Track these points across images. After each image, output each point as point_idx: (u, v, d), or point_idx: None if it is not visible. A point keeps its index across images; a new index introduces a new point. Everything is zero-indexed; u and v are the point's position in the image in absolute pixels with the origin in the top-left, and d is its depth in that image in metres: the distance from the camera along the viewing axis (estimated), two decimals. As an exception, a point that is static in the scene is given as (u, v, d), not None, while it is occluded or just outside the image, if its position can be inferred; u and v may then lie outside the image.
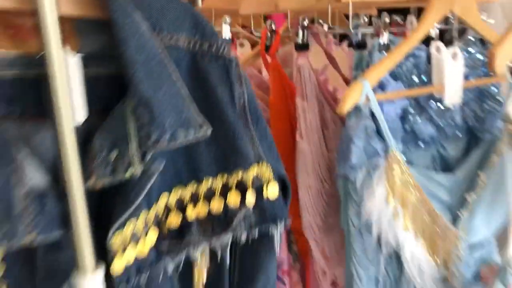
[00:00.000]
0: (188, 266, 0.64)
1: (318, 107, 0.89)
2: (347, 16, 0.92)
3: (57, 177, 0.50)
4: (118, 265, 0.53)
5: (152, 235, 0.58)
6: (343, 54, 1.01)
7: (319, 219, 0.93)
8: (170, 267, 0.61)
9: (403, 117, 0.82)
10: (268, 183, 0.60)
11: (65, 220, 0.50)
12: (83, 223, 0.50)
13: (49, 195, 0.49)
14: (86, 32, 0.54)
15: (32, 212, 0.47)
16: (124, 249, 0.54)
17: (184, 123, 0.53)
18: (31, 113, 0.51)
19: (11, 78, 0.50)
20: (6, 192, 0.46)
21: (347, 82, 0.95)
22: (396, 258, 0.84)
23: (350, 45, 1.05)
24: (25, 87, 0.50)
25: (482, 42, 0.88)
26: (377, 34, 0.78)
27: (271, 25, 0.94)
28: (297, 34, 0.86)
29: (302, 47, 0.87)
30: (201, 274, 0.66)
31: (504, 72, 0.70)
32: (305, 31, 0.87)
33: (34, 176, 0.48)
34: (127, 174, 0.51)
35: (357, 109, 0.75)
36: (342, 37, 1.15)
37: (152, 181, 0.53)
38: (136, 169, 0.51)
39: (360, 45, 0.83)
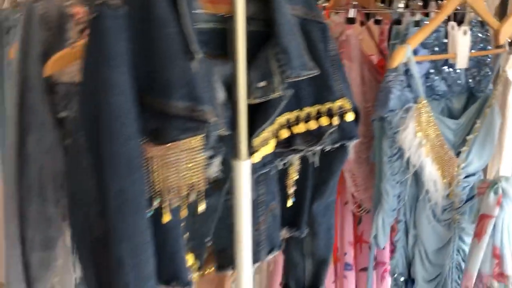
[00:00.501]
0: (285, 168, 0.94)
1: (359, 67, 1.18)
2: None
3: (230, 94, 0.77)
4: (257, 157, 0.82)
5: (273, 142, 0.86)
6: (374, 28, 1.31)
7: (354, 155, 1.23)
8: (280, 165, 0.90)
9: (425, 75, 1.12)
10: (347, 112, 0.89)
11: (233, 123, 0.77)
12: (244, 125, 0.78)
13: (227, 105, 0.77)
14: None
15: (222, 116, 0.74)
16: (259, 148, 0.82)
17: (304, 65, 0.81)
18: (218, 53, 0.78)
19: (208, 30, 0.77)
20: (213, 102, 0.72)
21: (378, 49, 1.24)
22: (414, 180, 1.15)
23: (376, 22, 1.35)
24: (216, 36, 0.78)
25: (482, 24, 1.19)
26: (411, 14, 1.08)
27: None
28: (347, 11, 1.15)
29: (351, 21, 1.16)
30: (294, 174, 0.95)
31: (505, 44, 1.01)
32: (353, 10, 1.16)
33: (220, 92, 0.76)
34: (273, 95, 0.79)
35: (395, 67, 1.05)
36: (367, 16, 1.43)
37: (284, 103, 0.81)
38: (279, 93, 0.79)
39: (397, 22, 1.12)
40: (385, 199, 1.16)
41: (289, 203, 0.96)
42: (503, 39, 1.00)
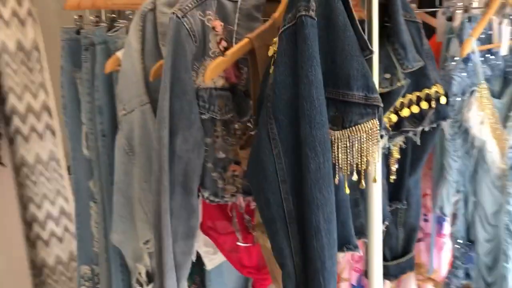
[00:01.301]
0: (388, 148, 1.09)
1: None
2: None
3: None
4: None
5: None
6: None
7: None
8: (391, 145, 1.06)
9: (477, 63, 1.31)
10: (441, 96, 1.06)
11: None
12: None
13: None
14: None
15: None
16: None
17: (415, 58, 0.98)
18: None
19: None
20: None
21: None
22: (472, 154, 1.33)
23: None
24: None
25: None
26: (465, 11, 1.26)
27: None
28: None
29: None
30: (396, 153, 1.11)
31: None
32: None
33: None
34: (398, 85, 0.95)
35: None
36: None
37: (404, 90, 0.97)
38: (402, 83, 0.95)
39: (450, 18, 1.31)
40: (448, 173, 1.34)
41: (392, 179, 1.11)
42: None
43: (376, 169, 0.86)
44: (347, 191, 0.83)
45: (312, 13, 0.75)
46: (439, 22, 1.34)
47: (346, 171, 0.82)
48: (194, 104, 0.98)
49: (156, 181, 1.00)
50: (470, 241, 1.43)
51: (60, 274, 2.77)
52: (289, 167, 0.80)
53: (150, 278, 1.27)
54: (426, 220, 1.61)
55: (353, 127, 0.79)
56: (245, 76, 1.05)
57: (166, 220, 1.00)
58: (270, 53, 0.85)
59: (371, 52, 0.80)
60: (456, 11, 1.30)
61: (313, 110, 0.76)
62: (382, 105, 0.81)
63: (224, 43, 1.00)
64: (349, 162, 0.81)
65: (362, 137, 0.79)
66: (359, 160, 0.81)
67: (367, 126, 0.79)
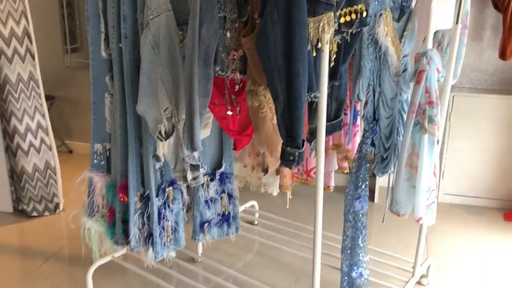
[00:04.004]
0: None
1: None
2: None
3: None
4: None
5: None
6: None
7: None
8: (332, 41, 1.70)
9: (383, -3, 1.98)
10: (364, 11, 1.71)
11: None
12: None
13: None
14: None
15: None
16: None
17: None
18: None
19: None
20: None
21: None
22: (379, 57, 2.01)
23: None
24: None
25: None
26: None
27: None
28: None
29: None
30: (335, 46, 1.74)
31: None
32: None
33: None
34: (340, -1, 1.58)
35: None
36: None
37: (342, 4, 1.60)
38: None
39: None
40: (363, 71, 2.01)
41: (331, 65, 1.75)
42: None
43: (326, 43, 1.49)
44: (314, 54, 1.46)
45: None
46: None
47: (313, 42, 1.44)
48: (215, 5, 1.54)
49: (189, 56, 1.56)
50: (375, 119, 2.14)
51: (37, 181, 3.22)
52: (282, 37, 1.40)
53: (167, 134, 1.83)
54: (345, 114, 2.31)
55: (320, 15, 1.41)
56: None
57: (195, 82, 1.57)
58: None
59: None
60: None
61: (300, 3, 1.37)
62: (335, 4, 1.43)
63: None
64: (316, 36, 1.43)
65: (324, 21, 1.42)
66: (321, 36, 1.43)
67: (328, 15, 1.42)
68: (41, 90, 3.12)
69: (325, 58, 1.53)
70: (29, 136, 3.11)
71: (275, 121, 1.74)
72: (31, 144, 3.12)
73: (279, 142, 1.79)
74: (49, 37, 4.30)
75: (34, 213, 3.24)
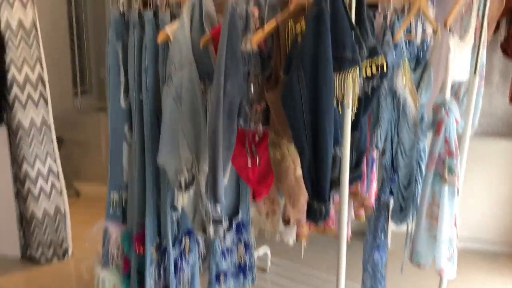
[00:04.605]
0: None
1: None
2: None
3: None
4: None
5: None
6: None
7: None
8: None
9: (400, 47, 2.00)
10: (384, 63, 1.72)
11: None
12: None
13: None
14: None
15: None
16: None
17: (371, 39, 1.63)
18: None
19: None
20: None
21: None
22: (397, 109, 2.02)
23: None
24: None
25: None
26: (395, 12, 1.95)
27: None
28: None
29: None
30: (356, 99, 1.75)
31: (437, 31, 1.92)
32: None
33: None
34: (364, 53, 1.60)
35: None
36: None
37: (365, 56, 1.62)
38: (365, 52, 1.60)
39: (385, 16, 1.99)
40: (382, 120, 2.02)
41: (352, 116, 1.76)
42: (436, 29, 1.92)
43: (351, 98, 1.50)
44: (339, 110, 1.47)
45: (328, 7, 1.37)
46: (377, 20, 2.02)
47: (339, 98, 1.45)
48: (240, 61, 1.56)
49: (214, 110, 1.57)
50: (393, 168, 2.13)
51: (47, 225, 3.19)
52: (309, 94, 1.41)
53: (186, 185, 1.82)
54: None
55: (345, 71, 1.43)
56: (269, 45, 1.64)
57: (219, 136, 1.58)
58: (298, 29, 1.46)
59: (356, 31, 1.44)
60: (388, 12, 1.99)
61: (326, 60, 1.38)
62: (360, 60, 1.45)
63: (257, 23, 1.59)
64: (342, 92, 1.44)
65: (349, 77, 1.43)
66: (345, 91, 1.44)
67: (353, 71, 1.43)
68: (53, 134, 3.12)
69: (349, 112, 1.54)
70: (40, 181, 3.10)
71: (297, 173, 1.74)
72: (41, 189, 3.11)
73: (301, 193, 1.78)
74: (60, 79, 4.35)
75: (43, 259, 3.20)
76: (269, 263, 3.10)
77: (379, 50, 1.70)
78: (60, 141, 4.25)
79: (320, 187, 1.47)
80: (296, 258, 3.03)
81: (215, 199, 1.61)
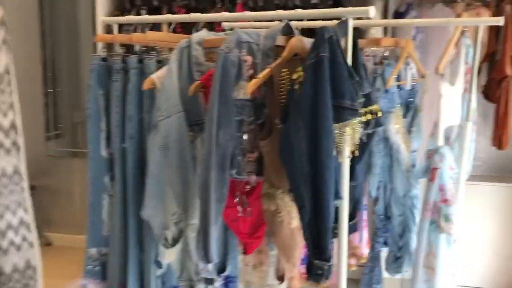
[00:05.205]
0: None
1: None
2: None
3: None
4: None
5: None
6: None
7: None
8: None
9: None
10: (378, 111, 1.68)
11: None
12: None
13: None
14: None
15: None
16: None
17: (366, 86, 1.59)
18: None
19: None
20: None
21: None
22: (389, 154, 1.97)
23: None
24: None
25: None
26: (384, 59, 1.92)
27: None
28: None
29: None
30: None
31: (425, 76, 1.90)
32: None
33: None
34: (359, 100, 1.54)
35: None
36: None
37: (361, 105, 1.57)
38: (360, 100, 1.54)
39: (375, 63, 1.96)
40: (374, 168, 1.96)
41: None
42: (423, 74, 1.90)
43: (350, 148, 1.43)
44: (340, 160, 1.40)
45: (327, 54, 1.32)
46: (368, 66, 1.99)
47: (339, 148, 1.38)
48: (232, 110, 1.48)
49: (205, 161, 1.48)
50: (386, 217, 2.06)
51: (16, 282, 2.97)
52: (307, 144, 1.34)
53: (173, 241, 1.70)
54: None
55: (345, 121, 1.36)
56: (263, 93, 1.58)
57: (211, 188, 1.48)
58: (295, 76, 1.40)
59: (355, 79, 1.39)
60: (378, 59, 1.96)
61: (326, 110, 1.32)
62: (359, 110, 1.39)
63: (251, 71, 1.52)
64: (342, 143, 1.37)
65: (349, 127, 1.36)
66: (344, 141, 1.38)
67: (353, 121, 1.37)
68: (25, 183, 2.96)
69: (346, 163, 1.47)
70: (10, 234, 2.90)
71: (293, 225, 1.64)
72: (11, 243, 2.91)
73: (296, 247, 1.69)
74: (31, 124, 4.19)
75: (10, 318, 2.97)
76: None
77: (373, 97, 1.66)
78: (31, 188, 4.06)
79: (322, 244, 1.38)
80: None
81: (207, 258, 1.50)
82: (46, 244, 4.24)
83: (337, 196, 1.44)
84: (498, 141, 2.85)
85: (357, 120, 1.38)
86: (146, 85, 1.71)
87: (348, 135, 1.38)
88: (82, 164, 4.19)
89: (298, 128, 1.35)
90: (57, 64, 4.31)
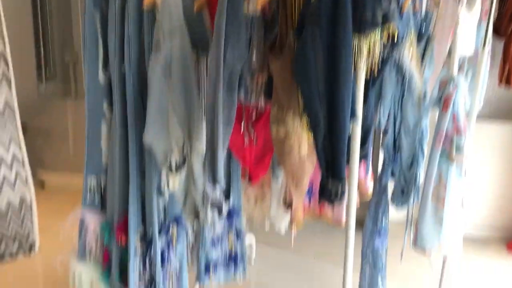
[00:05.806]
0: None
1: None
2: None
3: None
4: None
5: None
6: None
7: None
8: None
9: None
10: (395, 31, 1.58)
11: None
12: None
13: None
14: None
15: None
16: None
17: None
18: None
19: None
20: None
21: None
22: (401, 83, 1.88)
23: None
24: None
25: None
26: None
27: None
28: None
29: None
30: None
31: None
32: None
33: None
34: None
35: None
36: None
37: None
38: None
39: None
40: (385, 97, 1.88)
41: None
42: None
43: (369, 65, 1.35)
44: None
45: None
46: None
47: (358, 65, 1.29)
48: (242, 25, 1.38)
49: (213, 81, 1.39)
50: (395, 149, 2.00)
51: (11, 217, 2.93)
52: (324, 59, 1.25)
53: (177, 167, 1.63)
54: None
55: (365, 34, 1.27)
56: (272, 10, 1.47)
57: (219, 110, 1.40)
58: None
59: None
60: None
61: (346, 20, 1.22)
62: (380, 23, 1.29)
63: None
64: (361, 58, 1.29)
65: (370, 41, 1.27)
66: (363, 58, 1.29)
67: (374, 34, 1.27)
68: (18, 119, 2.87)
69: (361, 82, 1.39)
70: (3, 169, 2.83)
71: (302, 152, 1.57)
72: (5, 178, 2.85)
73: (305, 174, 1.62)
74: (23, 63, 4.04)
75: (7, 254, 2.94)
76: (253, 252, 2.94)
77: (390, 17, 1.55)
78: (23, 128, 3.97)
79: (336, 164, 1.31)
80: (283, 245, 2.88)
81: (214, 179, 1.43)
82: (40, 185, 4.18)
83: (353, 114, 1.36)
84: (506, 79, 2.76)
85: (378, 34, 1.29)
86: (146, 4, 1.59)
87: (366, 51, 1.29)
88: (74, 106, 4.09)
89: (314, 41, 1.26)
90: (48, 3, 4.14)
